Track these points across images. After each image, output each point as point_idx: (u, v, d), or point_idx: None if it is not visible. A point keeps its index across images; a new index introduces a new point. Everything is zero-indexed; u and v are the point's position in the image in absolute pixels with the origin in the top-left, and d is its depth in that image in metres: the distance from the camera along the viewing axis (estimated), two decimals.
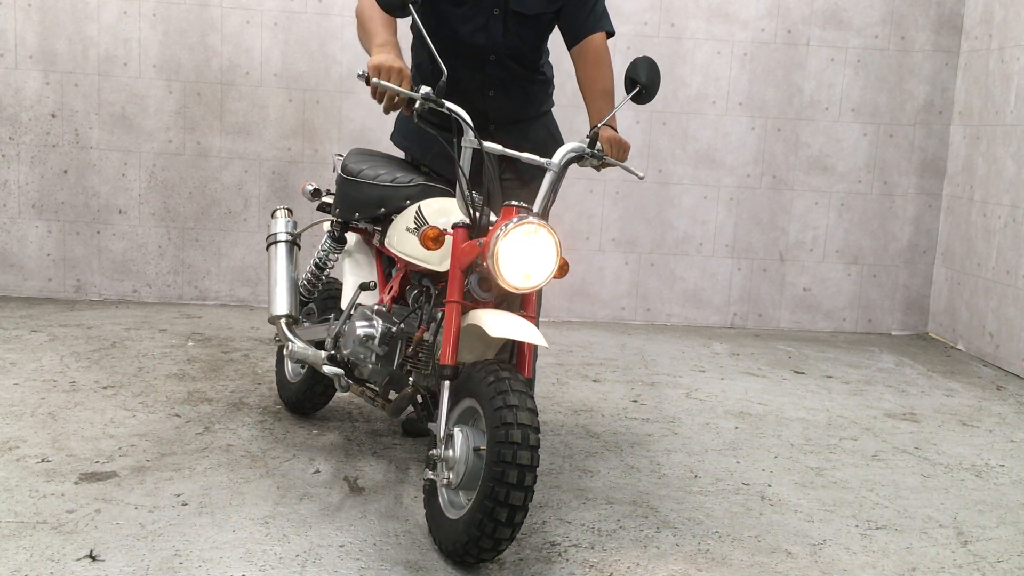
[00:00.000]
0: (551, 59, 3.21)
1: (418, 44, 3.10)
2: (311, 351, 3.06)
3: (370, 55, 2.66)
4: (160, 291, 5.34)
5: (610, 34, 3.06)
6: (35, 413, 3.39)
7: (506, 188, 2.94)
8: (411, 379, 2.83)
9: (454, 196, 2.81)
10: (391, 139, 3.26)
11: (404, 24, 2.83)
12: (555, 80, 3.24)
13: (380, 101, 2.59)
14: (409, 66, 2.86)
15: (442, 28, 2.96)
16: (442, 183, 2.96)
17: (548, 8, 2.97)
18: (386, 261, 3.19)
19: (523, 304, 2.60)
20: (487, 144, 2.65)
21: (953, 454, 3.60)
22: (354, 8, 5.15)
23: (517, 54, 3.01)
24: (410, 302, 2.92)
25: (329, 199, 3.43)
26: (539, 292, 2.88)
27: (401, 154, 3.28)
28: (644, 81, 2.82)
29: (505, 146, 2.72)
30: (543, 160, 2.69)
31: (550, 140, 3.12)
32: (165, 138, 5.22)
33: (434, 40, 2.97)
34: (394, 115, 3.29)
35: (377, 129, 5.26)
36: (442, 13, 2.94)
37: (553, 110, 3.26)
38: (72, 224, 5.24)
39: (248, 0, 5.15)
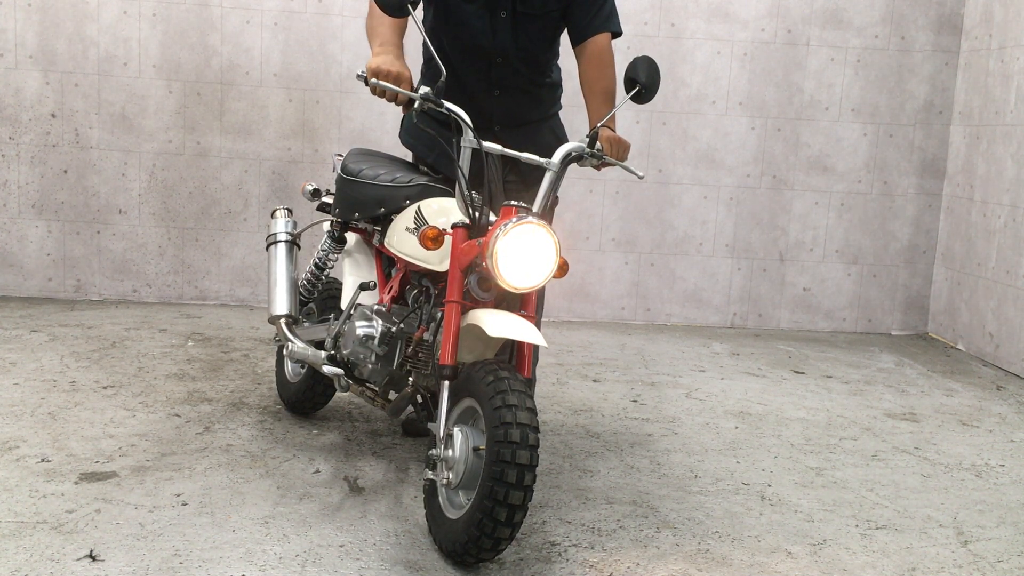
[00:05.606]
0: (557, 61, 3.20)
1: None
2: (311, 351, 3.06)
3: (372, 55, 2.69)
4: (160, 291, 5.34)
5: (617, 34, 3.05)
6: (35, 413, 3.39)
7: (509, 189, 2.94)
8: (411, 379, 2.83)
9: (454, 196, 2.81)
10: (399, 137, 3.26)
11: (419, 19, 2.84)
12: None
13: (389, 101, 2.63)
14: (412, 66, 2.87)
15: (453, 24, 2.96)
16: (445, 183, 2.96)
17: (554, 5, 2.96)
18: (386, 261, 3.19)
19: (523, 304, 2.60)
20: (486, 144, 2.65)
21: (953, 454, 3.60)
22: (354, 8, 5.18)
23: (526, 56, 3.00)
24: (410, 302, 2.92)
25: (329, 199, 3.43)
26: (541, 292, 2.87)
27: (409, 153, 3.28)
28: (644, 81, 2.81)
29: (509, 148, 2.72)
30: (543, 160, 2.69)
31: (555, 143, 3.09)
32: (165, 138, 5.22)
33: (444, 36, 2.98)
34: (397, 116, 3.30)
35: (377, 129, 5.26)
36: (453, 8, 2.94)
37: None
38: (72, 224, 5.24)
39: (248, 0, 5.15)
